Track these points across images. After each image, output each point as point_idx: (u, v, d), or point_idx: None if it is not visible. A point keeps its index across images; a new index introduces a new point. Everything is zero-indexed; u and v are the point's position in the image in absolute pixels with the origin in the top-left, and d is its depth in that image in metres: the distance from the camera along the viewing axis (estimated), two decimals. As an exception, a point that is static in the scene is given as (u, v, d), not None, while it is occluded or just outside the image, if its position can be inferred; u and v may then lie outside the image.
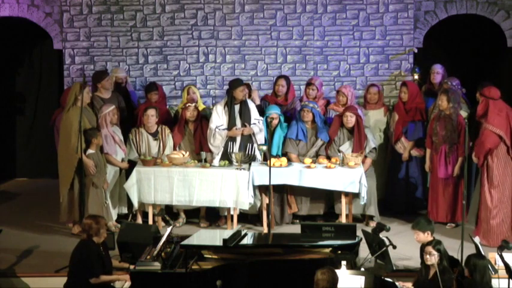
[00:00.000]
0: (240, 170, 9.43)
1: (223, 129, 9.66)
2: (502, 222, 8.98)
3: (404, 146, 10.07)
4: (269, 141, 9.49)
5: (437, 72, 10.34)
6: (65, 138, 9.29)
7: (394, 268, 7.67)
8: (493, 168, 8.93)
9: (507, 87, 9.34)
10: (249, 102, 9.82)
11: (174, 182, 9.42)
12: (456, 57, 11.43)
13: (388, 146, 10.26)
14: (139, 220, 9.62)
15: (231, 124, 9.65)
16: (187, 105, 9.88)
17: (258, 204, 9.59)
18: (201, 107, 10.33)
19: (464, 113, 9.77)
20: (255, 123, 9.70)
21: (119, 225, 9.27)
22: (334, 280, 6.26)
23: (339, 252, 7.47)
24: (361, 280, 6.91)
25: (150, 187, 9.43)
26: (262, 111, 9.99)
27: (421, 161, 10.11)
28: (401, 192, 10.18)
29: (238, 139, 9.70)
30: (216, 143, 9.70)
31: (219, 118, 9.70)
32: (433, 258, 7.08)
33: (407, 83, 10.17)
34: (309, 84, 10.35)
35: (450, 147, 9.50)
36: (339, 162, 9.57)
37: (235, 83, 9.72)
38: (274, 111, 9.80)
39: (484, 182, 9.00)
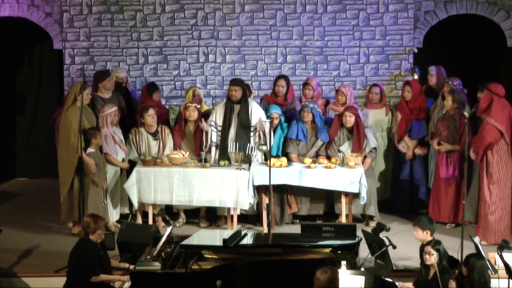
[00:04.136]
0: (240, 170, 9.43)
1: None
2: (500, 219, 8.95)
3: (407, 145, 10.07)
4: (269, 141, 9.49)
5: (432, 74, 10.37)
6: (64, 138, 9.30)
7: (394, 268, 7.66)
8: (493, 164, 8.90)
9: (507, 87, 9.31)
10: (252, 103, 9.82)
11: (174, 182, 9.42)
12: (456, 57, 11.43)
13: (391, 146, 10.26)
14: (139, 220, 9.62)
15: (224, 121, 9.68)
16: (187, 105, 9.89)
17: (255, 202, 9.56)
18: (205, 108, 10.34)
19: (465, 113, 9.76)
20: (256, 127, 9.69)
21: (119, 225, 9.28)
22: (334, 280, 6.25)
23: (339, 252, 7.47)
24: (361, 280, 6.91)
25: (150, 187, 9.43)
26: None
27: (425, 160, 10.12)
28: (405, 192, 10.17)
29: (232, 137, 9.67)
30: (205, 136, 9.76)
31: (214, 114, 9.77)
32: (432, 258, 7.09)
33: (411, 82, 10.18)
34: (305, 84, 10.36)
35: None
36: (339, 162, 9.57)
37: (231, 81, 9.78)
38: (275, 111, 9.80)
39: (483, 178, 8.97)
